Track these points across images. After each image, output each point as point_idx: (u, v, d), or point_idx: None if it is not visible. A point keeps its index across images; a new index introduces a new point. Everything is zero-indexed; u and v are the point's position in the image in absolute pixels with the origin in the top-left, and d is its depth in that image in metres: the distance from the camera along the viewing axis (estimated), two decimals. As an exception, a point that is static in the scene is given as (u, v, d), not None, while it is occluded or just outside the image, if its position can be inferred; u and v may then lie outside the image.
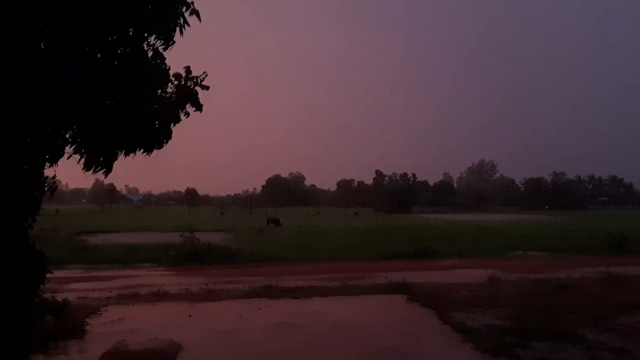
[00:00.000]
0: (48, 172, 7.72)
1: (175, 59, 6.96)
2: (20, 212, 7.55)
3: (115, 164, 7.12)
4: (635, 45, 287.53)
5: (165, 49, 6.63)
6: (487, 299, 11.64)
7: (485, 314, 10.09)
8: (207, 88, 7.30)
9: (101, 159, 6.82)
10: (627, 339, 8.30)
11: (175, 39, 6.64)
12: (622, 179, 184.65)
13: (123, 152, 6.84)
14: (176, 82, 7.31)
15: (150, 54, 6.88)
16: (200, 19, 6.26)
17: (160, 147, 7.29)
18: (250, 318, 9.99)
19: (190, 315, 10.23)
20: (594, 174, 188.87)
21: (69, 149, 7.06)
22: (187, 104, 7.27)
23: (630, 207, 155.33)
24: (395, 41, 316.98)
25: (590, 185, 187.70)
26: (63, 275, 15.05)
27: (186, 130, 7.22)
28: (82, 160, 6.77)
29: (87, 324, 9.13)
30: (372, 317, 10.22)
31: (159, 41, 6.53)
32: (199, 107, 7.29)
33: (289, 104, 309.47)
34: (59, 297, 9.93)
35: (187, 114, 7.19)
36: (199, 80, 7.13)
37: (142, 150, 7.04)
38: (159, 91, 7.27)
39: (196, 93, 7.25)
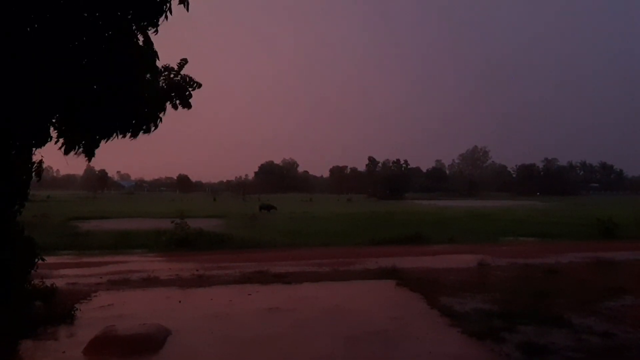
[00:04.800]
0: (35, 157, 7.68)
1: (165, 48, 6.90)
2: (7, 197, 7.51)
3: (107, 150, 7.08)
4: (623, 32, 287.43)
5: (156, 32, 6.56)
6: (476, 283, 11.73)
7: (473, 299, 10.17)
8: (198, 87, 7.24)
9: (82, 142, 6.78)
10: (613, 323, 8.39)
11: (163, 24, 6.58)
12: (612, 165, 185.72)
13: (105, 136, 6.79)
14: (166, 74, 7.26)
15: (140, 40, 6.82)
16: (187, 9, 6.17)
17: (147, 131, 7.22)
18: (240, 303, 10.01)
19: (180, 301, 10.24)
20: (585, 161, 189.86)
21: (54, 133, 7.01)
22: (174, 98, 7.22)
23: (621, 193, 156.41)
24: (389, 32, 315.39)
25: (582, 172, 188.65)
26: (54, 261, 15.00)
27: (179, 116, 7.17)
28: (66, 144, 6.73)
29: (77, 309, 9.11)
30: (361, 301, 10.28)
31: (149, 27, 6.47)
32: (185, 104, 7.21)
33: (281, 91, 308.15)
34: (49, 283, 9.94)
35: (176, 107, 7.14)
36: (190, 81, 7.08)
37: (130, 133, 7.00)
38: (147, 77, 7.22)
39: (188, 92, 7.18)
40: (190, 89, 7.24)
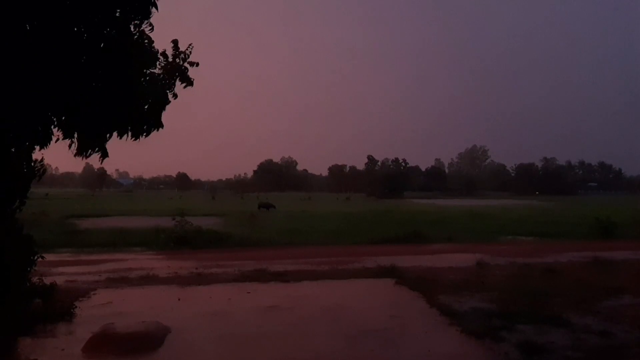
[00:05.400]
0: (37, 155, 7.67)
1: (163, 45, 6.90)
2: (7, 194, 7.49)
3: (107, 148, 7.07)
4: (622, 30, 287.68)
5: (152, 29, 6.56)
6: (475, 282, 11.73)
7: (472, 298, 10.18)
8: (197, 64, 7.21)
9: (94, 142, 6.77)
10: (611, 322, 8.41)
11: (160, 23, 6.57)
12: (611, 165, 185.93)
13: (115, 134, 6.79)
14: (164, 62, 7.23)
15: (136, 35, 6.83)
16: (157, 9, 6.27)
17: (147, 134, 7.21)
18: (239, 301, 10.02)
19: (179, 299, 10.24)
20: (584, 160, 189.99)
21: (57, 132, 7.00)
22: (175, 81, 7.19)
23: (619, 192, 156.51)
24: (389, 31, 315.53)
25: (580, 171, 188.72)
26: (52, 259, 14.98)
27: (178, 114, 7.17)
28: (74, 145, 6.73)
29: (76, 307, 9.11)
30: (360, 300, 10.30)
31: (143, 21, 6.47)
32: (189, 82, 7.20)
33: (281, 89, 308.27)
34: (48, 281, 9.92)
35: (175, 96, 7.12)
36: (186, 54, 7.05)
37: (131, 135, 6.99)
38: (147, 72, 7.20)
39: (186, 69, 7.18)
40: (187, 65, 7.17)
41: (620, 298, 10.33)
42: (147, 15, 6.32)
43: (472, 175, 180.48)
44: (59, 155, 7.30)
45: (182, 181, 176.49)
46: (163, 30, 6.62)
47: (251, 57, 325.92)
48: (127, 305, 9.64)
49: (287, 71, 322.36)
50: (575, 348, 7.12)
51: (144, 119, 6.97)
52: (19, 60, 5.89)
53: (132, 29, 6.48)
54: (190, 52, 7.05)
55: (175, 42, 7.02)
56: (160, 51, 6.96)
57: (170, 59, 7.02)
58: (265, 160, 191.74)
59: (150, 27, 6.48)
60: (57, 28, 5.97)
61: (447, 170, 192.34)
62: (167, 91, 7.17)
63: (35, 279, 8.97)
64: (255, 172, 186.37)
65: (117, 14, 6.31)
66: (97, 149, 6.75)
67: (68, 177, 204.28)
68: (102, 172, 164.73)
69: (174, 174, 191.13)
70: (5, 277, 7.55)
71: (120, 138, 6.87)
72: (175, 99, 7.06)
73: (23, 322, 7.88)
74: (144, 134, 7.03)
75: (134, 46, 6.57)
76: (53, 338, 7.65)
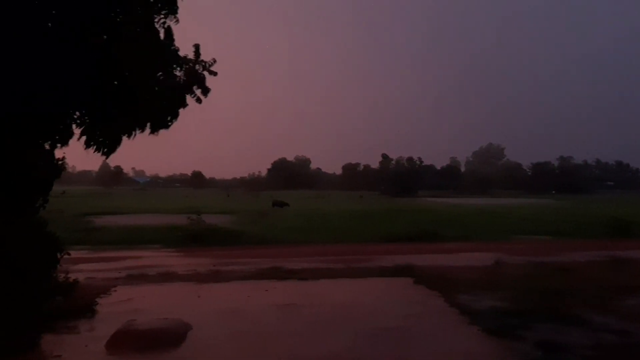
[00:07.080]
0: (58, 153, 7.79)
1: (184, 44, 7.00)
2: (29, 193, 7.63)
3: (123, 146, 7.19)
4: (634, 29, 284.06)
5: (177, 21, 6.66)
6: (493, 281, 11.69)
7: (491, 297, 10.13)
8: (215, 74, 7.32)
9: (105, 139, 6.89)
10: (630, 321, 8.37)
11: (180, 23, 6.67)
12: (628, 164, 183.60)
13: (126, 133, 6.91)
14: (185, 66, 7.35)
15: (161, 35, 6.92)
16: None
17: (167, 126, 7.33)
18: (257, 299, 10.09)
19: (199, 296, 10.35)
20: (599, 159, 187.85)
21: (77, 130, 7.12)
22: (194, 86, 7.31)
23: (636, 191, 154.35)
24: (403, 27, 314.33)
25: (597, 170, 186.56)
26: (71, 256, 15.17)
27: (193, 113, 7.25)
28: (88, 140, 6.85)
29: (97, 303, 9.26)
30: (378, 298, 10.31)
31: (166, 18, 6.57)
32: (205, 91, 7.33)
33: (295, 88, 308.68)
34: (69, 278, 10.07)
35: (199, 100, 7.23)
36: (207, 65, 7.18)
37: (149, 128, 7.10)
38: (166, 72, 7.31)
39: (204, 77, 7.31)
40: (206, 74, 7.30)
41: (638, 297, 10.25)
42: (174, 11, 6.42)
43: (487, 173, 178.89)
44: (75, 154, 7.41)
45: (197, 179, 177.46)
46: (181, 25, 6.71)
47: (265, 57, 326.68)
48: (147, 302, 9.74)
49: (301, 70, 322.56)
50: (594, 347, 7.10)
51: (162, 113, 7.08)
52: (40, 59, 5.99)
53: (156, 26, 6.58)
54: (212, 64, 7.16)
55: (196, 47, 7.13)
56: (182, 55, 7.08)
57: (191, 65, 7.14)
58: (279, 159, 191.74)
59: (175, 20, 6.57)
60: (76, 26, 6.06)
61: (463, 169, 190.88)
62: (186, 94, 7.28)
63: (60, 276, 9.16)
64: (269, 170, 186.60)
65: (140, 12, 6.40)
66: (106, 145, 6.88)
67: (84, 175, 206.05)
68: (119, 170, 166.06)
69: (189, 173, 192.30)
70: (30, 275, 7.69)
71: (129, 136, 6.99)
72: (199, 103, 7.17)
73: (46, 319, 8.02)
74: (164, 126, 7.14)
75: (155, 44, 6.66)
76: (76, 335, 7.74)
